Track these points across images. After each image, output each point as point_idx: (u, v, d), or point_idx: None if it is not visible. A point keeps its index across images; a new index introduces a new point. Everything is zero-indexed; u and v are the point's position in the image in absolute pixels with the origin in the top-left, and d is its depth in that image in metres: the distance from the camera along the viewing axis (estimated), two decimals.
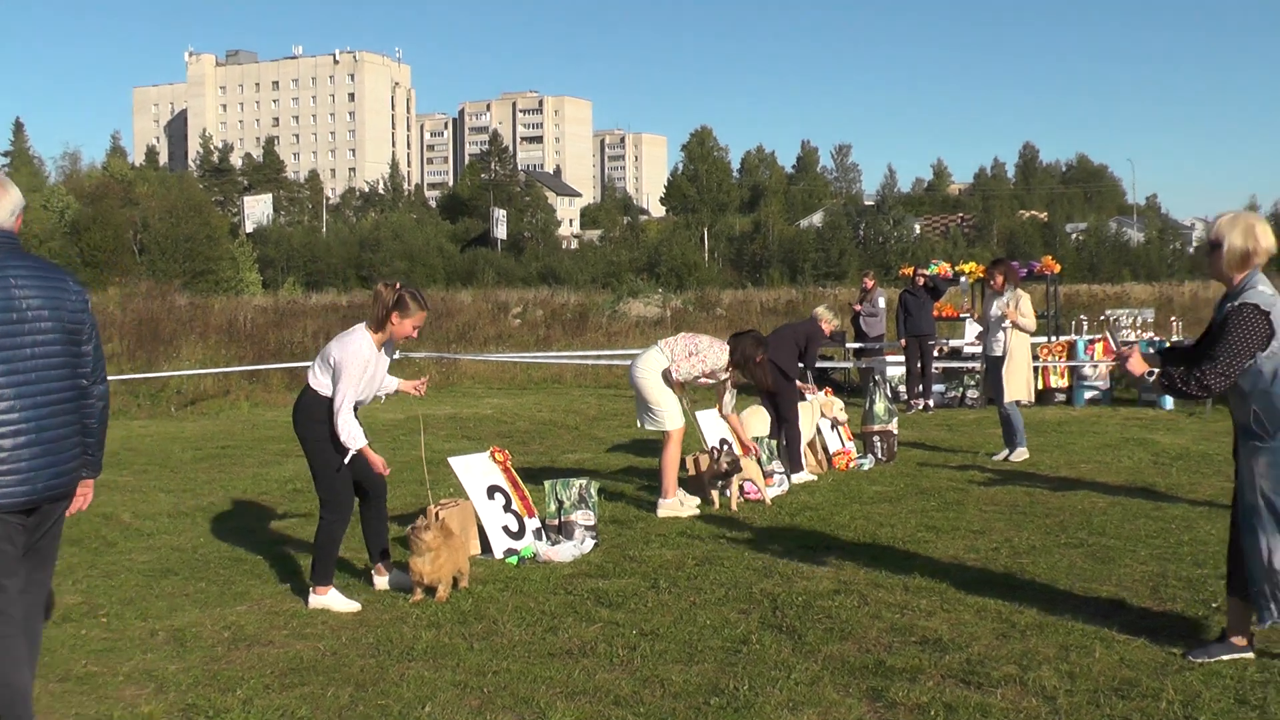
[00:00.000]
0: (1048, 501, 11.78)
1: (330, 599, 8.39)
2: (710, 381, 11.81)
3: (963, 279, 23.75)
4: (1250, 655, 6.75)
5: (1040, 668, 6.65)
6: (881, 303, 25.11)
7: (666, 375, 11.53)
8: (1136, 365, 6.94)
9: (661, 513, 11.41)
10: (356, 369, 8.21)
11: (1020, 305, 14.76)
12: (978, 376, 21.71)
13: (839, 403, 14.73)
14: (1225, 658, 6.74)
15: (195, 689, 6.67)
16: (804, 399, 14.10)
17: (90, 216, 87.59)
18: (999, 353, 14.90)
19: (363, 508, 8.85)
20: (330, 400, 8.29)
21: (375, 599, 8.54)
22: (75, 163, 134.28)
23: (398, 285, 8.43)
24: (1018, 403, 14.92)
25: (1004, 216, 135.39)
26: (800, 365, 14.10)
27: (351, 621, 7.98)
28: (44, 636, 6.21)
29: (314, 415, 8.37)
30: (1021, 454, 14.66)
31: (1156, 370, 6.81)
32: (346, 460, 8.34)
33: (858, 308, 25.03)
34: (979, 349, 22.38)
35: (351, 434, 8.25)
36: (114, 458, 16.02)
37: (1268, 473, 6.56)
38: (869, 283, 25.69)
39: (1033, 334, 15.16)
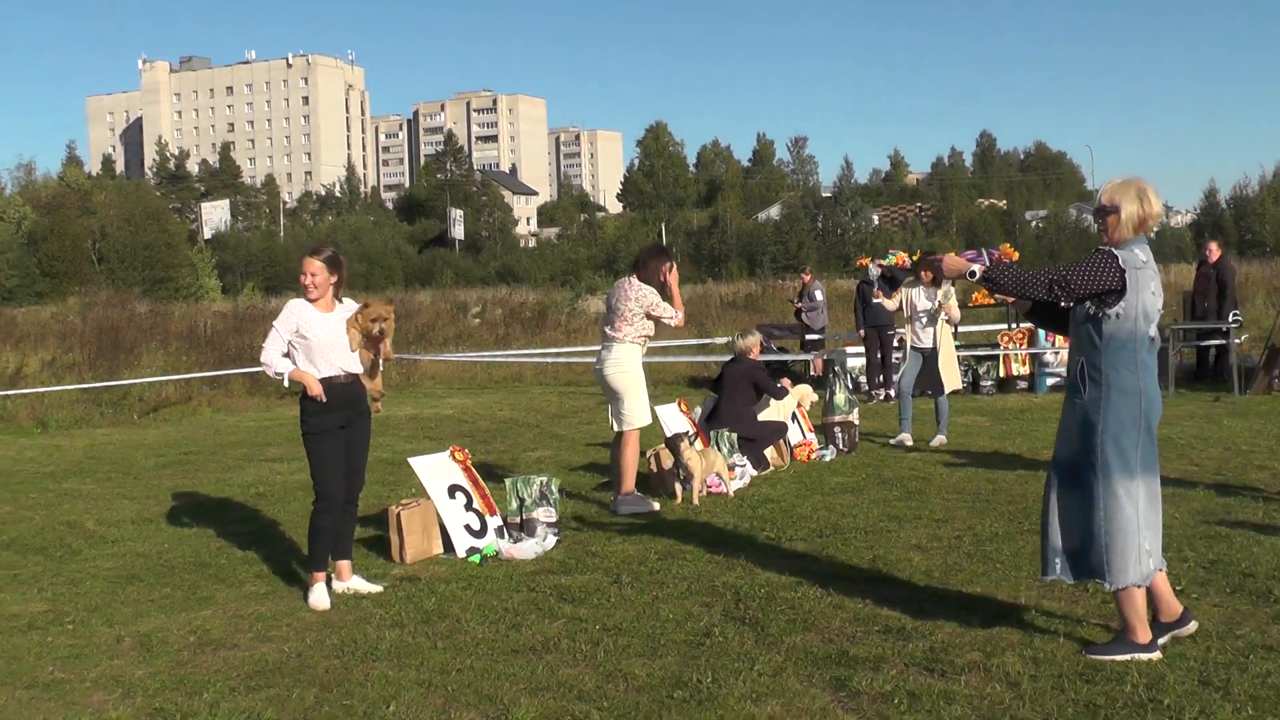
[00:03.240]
0: (1010, 489, 11.84)
1: (314, 590, 8.51)
2: (664, 318, 11.61)
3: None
4: (1156, 655, 6.57)
5: (1004, 654, 6.69)
6: (820, 295, 25.33)
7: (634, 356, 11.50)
8: (952, 263, 6.95)
9: (622, 509, 11.43)
10: (284, 313, 8.56)
11: (950, 300, 15.27)
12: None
13: (813, 395, 14.89)
14: (1120, 658, 6.56)
15: (162, 693, 6.65)
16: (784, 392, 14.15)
17: (47, 227, 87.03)
18: (929, 344, 15.32)
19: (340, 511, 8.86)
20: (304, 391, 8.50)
21: (340, 601, 8.52)
22: (30, 173, 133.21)
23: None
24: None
25: (963, 205, 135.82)
26: (766, 396, 14.07)
27: (316, 623, 7.97)
28: (10, 644, 6.34)
29: (306, 406, 8.56)
30: (940, 441, 15.12)
31: (977, 266, 6.72)
32: (285, 382, 8.55)
33: (798, 305, 25.19)
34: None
35: (270, 364, 8.50)
36: (77, 466, 15.98)
37: (1075, 430, 6.64)
38: (806, 277, 25.86)
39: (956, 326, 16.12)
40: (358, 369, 8.72)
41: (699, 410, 14.40)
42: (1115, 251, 6.48)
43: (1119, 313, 6.45)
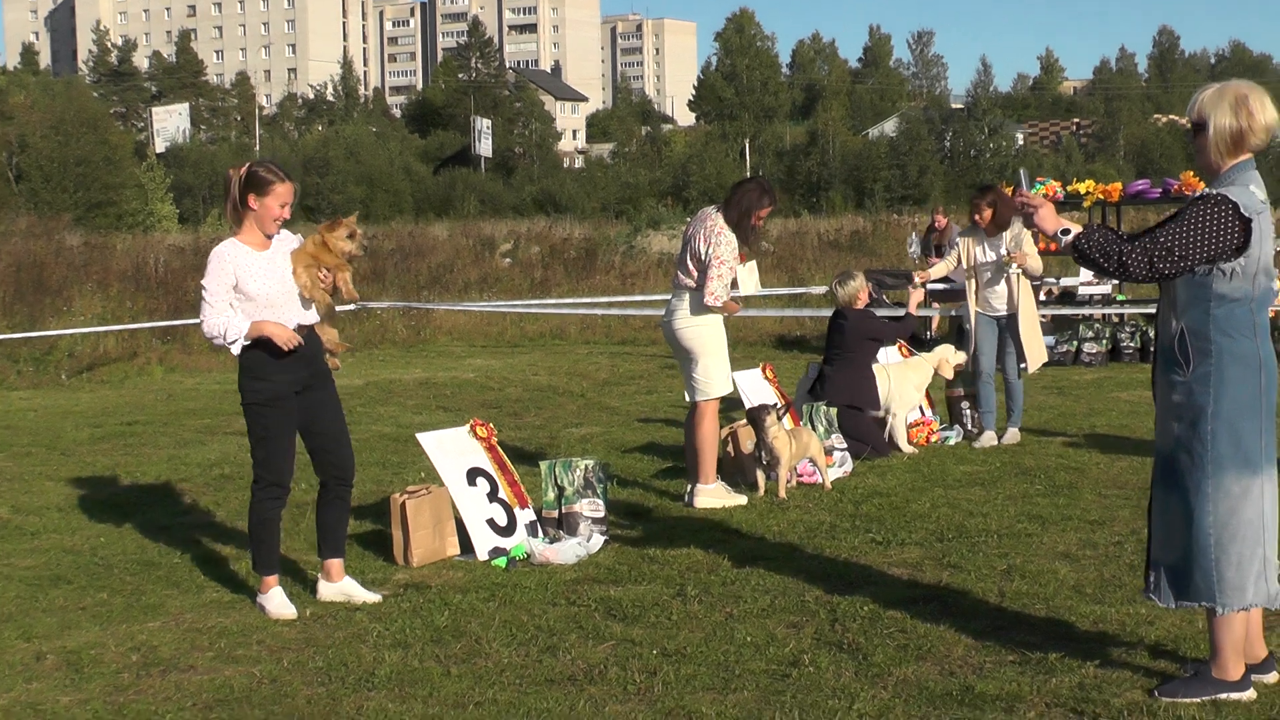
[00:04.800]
0: None
1: (268, 598, 8.58)
2: (706, 285, 11.56)
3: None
4: (1249, 695, 6.53)
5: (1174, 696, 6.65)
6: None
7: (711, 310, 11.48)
8: (1049, 219, 6.72)
9: (700, 503, 11.47)
10: (214, 266, 8.43)
11: (1025, 245, 14.16)
12: (1097, 326, 21.67)
13: (959, 357, 14.64)
14: (1199, 699, 6.50)
15: None
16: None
17: None
18: (1004, 309, 14.19)
19: (320, 494, 8.92)
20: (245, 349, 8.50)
21: (324, 611, 8.60)
22: None
23: (244, 167, 8.63)
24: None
25: (1133, 122, 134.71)
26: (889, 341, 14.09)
27: (296, 640, 8.04)
28: None
29: (246, 368, 8.59)
30: (1014, 436, 14.34)
31: (1074, 228, 6.58)
32: (237, 350, 8.47)
33: (933, 261, 25.08)
34: (1096, 289, 22.39)
35: (217, 327, 8.42)
36: None
37: (1180, 415, 6.54)
38: (941, 220, 25.68)
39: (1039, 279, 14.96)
40: (313, 318, 8.74)
41: (802, 380, 14.38)
42: (1231, 198, 6.32)
43: (1237, 269, 6.35)
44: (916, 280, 15.23)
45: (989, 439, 14.17)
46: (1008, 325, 14.24)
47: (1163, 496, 6.67)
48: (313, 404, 8.69)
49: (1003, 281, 14.13)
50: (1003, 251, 14.06)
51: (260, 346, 8.46)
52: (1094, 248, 6.52)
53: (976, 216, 14.29)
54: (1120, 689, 6.73)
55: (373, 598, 8.81)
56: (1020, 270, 14.04)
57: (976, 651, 7.42)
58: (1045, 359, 14.82)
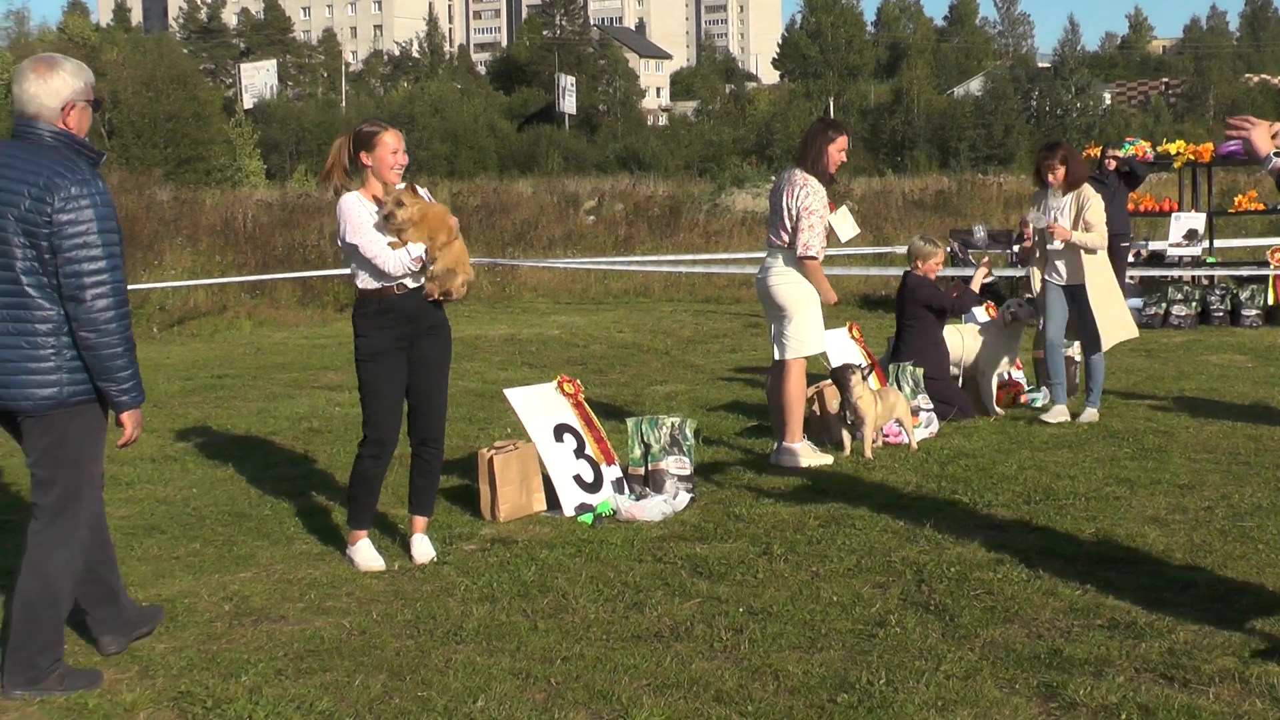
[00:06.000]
0: (1279, 449, 11.70)
1: (356, 550, 8.70)
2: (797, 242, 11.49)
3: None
4: None
5: (1267, 661, 6.62)
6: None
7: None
8: (1262, 140, 6.57)
9: (784, 460, 11.45)
10: (351, 213, 8.43)
11: (1088, 212, 13.10)
12: (1186, 288, 21.47)
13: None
14: None
15: (189, 674, 6.80)
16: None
17: None
18: (1068, 277, 13.28)
19: (413, 452, 8.97)
20: (365, 292, 8.54)
21: (413, 566, 8.65)
22: (22, 24, 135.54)
23: (347, 134, 8.69)
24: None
25: (1224, 82, 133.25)
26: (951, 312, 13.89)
27: (384, 593, 8.09)
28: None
29: (354, 324, 8.69)
30: (1091, 416, 13.33)
31: None
32: (411, 283, 8.47)
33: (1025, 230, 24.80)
34: (1186, 251, 22.16)
35: (398, 263, 8.37)
36: None
37: None
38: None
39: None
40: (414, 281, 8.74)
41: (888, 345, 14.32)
42: None
43: None
44: (986, 259, 14.98)
45: (1058, 413, 13.32)
46: (1078, 297, 13.29)
47: None
48: (415, 364, 8.69)
49: (1068, 248, 13.20)
50: (1050, 218, 13.22)
51: (367, 302, 8.53)
52: None
53: (1051, 176, 13.26)
54: (1211, 655, 6.69)
55: (429, 556, 8.82)
56: (1063, 243, 13.12)
57: (1064, 615, 7.39)
58: (1124, 335, 13.53)
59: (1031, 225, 13.68)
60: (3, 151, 6.62)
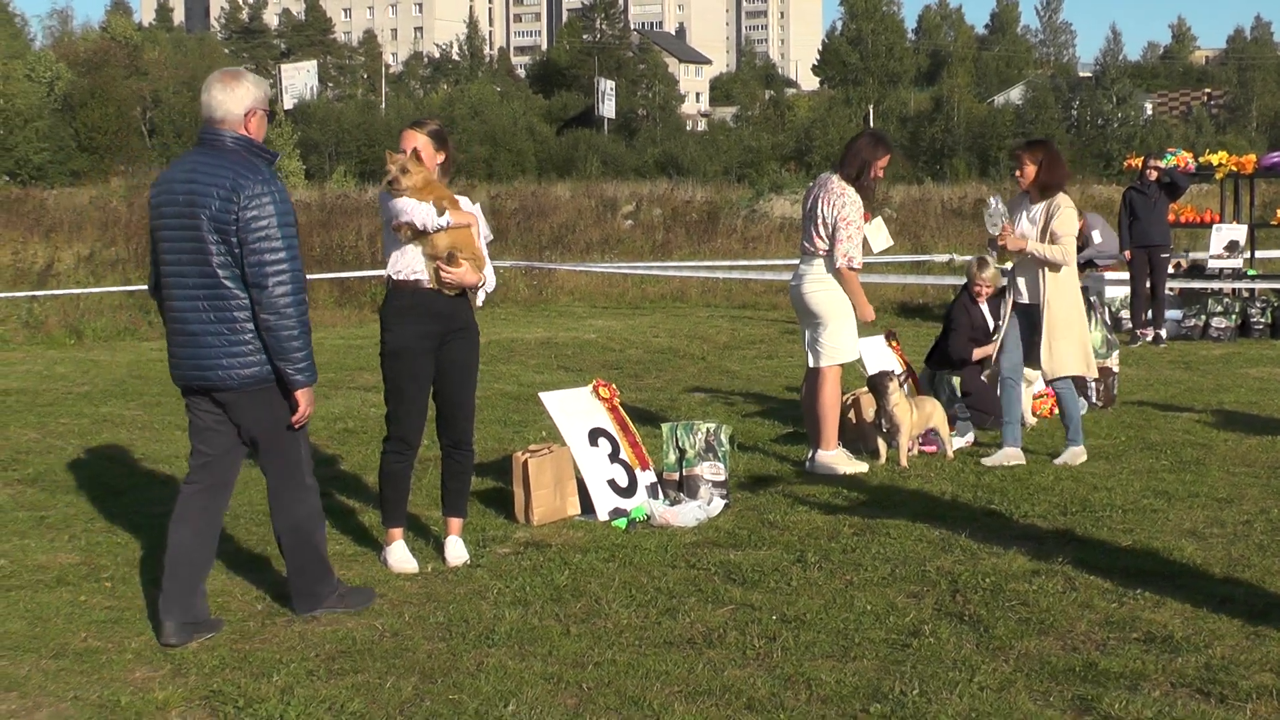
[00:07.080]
0: None
1: (389, 552, 8.75)
2: (835, 251, 11.39)
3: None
4: None
5: None
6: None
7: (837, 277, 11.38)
8: None
9: (819, 468, 11.43)
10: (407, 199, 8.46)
11: (1055, 222, 11.57)
12: (1226, 300, 21.37)
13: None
14: None
15: (221, 672, 6.81)
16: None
17: (87, 89, 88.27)
18: (1028, 296, 11.79)
19: (443, 455, 8.96)
20: (399, 284, 8.59)
21: (447, 568, 8.65)
22: (66, 23, 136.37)
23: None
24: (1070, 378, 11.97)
25: (1268, 93, 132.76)
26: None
27: (417, 595, 8.09)
28: (35, 602, 7.61)
29: (382, 318, 8.74)
30: (1078, 455, 11.81)
31: None
32: (445, 221, 8.43)
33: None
34: (1226, 263, 22.09)
35: (418, 210, 8.39)
36: (120, 386, 16.34)
37: None
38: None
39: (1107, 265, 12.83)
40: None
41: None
42: None
43: None
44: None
45: (1006, 456, 11.76)
46: (1033, 315, 11.73)
47: None
48: (443, 365, 8.68)
49: (1030, 262, 11.67)
50: (1003, 224, 11.67)
51: (399, 294, 8.54)
52: None
53: (1019, 173, 11.72)
54: (1249, 671, 6.65)
55: (463, 559, 8.83)
56: (1023, 255, 11.63)
57: (1100, 628, 7.35)
58: (1075, 371, 11.76)
59: (987, 228, 11.88)
60: (190, 160, 7.45)
